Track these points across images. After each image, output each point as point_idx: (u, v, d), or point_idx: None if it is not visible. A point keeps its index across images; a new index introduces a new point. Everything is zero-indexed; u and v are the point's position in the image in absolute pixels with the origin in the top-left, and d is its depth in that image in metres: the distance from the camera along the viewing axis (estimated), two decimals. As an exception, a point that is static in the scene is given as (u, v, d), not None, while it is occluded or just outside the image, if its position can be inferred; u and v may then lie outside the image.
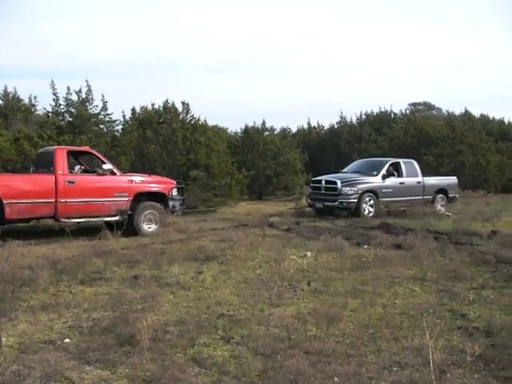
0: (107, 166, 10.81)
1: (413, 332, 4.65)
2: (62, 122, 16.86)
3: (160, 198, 11.50)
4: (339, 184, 14.58)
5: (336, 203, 14.52)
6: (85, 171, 11.34)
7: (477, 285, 6.63)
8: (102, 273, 7.07)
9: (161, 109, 19.86)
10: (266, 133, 24.66)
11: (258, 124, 23.85)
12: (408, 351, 4.26)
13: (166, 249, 8.67)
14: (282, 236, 10.72)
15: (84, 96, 17.23)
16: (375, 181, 15.00)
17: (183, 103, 20.04)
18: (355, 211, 14.37)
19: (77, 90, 17.42)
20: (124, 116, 19.41)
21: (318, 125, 33.41)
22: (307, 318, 5.02)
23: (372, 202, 14.66)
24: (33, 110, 19.01)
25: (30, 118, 17.74)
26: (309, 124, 33.47)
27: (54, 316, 5.21)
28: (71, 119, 16.82)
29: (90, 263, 7.51)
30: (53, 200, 9.99)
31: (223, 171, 18.40)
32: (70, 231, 9.45)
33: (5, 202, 9.44)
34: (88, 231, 10.55)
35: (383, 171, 15.24)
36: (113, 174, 10.90)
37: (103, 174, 10.80)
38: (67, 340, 4.52)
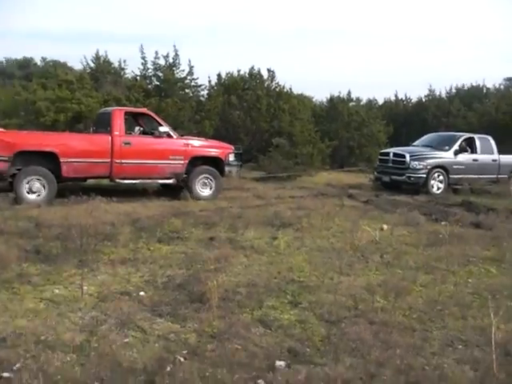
0: (164, 128, 10.82)
1: (482, 312, 4.54)
2: (150, 86, 17.34)
3: (216, 163, 11.38)
4: (408, 157, 14.00)
5: (403, 177, 13.94)
6: (143, 133, 11.36)
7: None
8: (179, 232, 7.31)
9: (246, 75, 19.96)
10: (352, 103, 24.28)
11: (344, 94, 23.47)
12: (474, 331, 4.17)
13: (242, 213, 8.85)
14: (360, 207, 10.65)
15: (171, 61, 17.62)
16: (446, 156, 14.29)
17: (269, 70, 20.10)
18: (423, 187, 13.84)
19: (164, 54, 17.83)
20: (210, 81, 19.74)
21: (406, 97, 32.39)
22: (376, 290, 5.03)
23: (441, 178, 14.00)
24: (122, 73, 19.60)
25: (119, 81, 18.31)
26: (396, 96, 32.46)
27: (131, 270, 5.50)
28: (158, 83, 17.27)
29: (169, 223, 7.78)
30: (108, 160, 10.15)
31: (306, 140, 18.27)
32: (152, 191, 9.78)
33: (61, 160, 9.65)
34: (168, 192, 10.96)
35: (455, 146, 14.46)
36: (169, 136, 10.88)
37: (160, 137, 10.81)
38: (142, 293, 4.78)
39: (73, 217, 6.95)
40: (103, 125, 10.87)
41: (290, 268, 5.91)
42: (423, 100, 30.65)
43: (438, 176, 14.03)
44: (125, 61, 20.27)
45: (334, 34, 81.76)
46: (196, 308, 4.43)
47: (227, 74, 20.29)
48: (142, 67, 17.95)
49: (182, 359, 3.46)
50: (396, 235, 7.99)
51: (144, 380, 3.13)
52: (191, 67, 17.96)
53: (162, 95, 16.77)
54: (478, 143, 14.87)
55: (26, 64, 35.94)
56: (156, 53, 17.79)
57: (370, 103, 30.10)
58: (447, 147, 14.52)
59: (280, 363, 3.49)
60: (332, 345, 3.83)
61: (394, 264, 6.30)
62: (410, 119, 29.04)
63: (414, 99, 31.77)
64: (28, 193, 9.22)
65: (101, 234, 6.66)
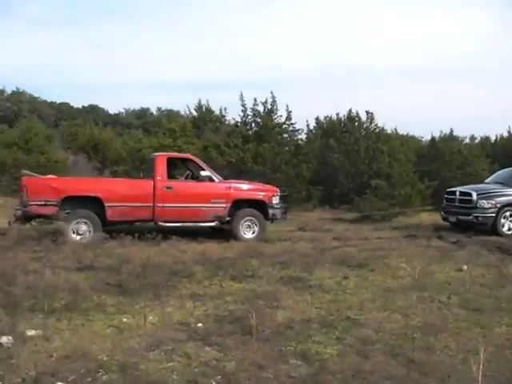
0: (205, 172, 11.10)
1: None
2: (250, 132, 18.19)
3: (261, 205, 11.46)
4: (475, 196, 13.20)
5: (470, 217, 13.11)
6: (192, 177, 11.67)
7: None
8: (253, 271, 7.69)
9: (344, 118, 20.32)
10: (462, 141, 23.71)
11: (446, 133, 23.05)
12: None
13: (320, 253, 9.09)
14: (446, 248, 10.46)
15: (269, 106, 18.36)
16: None
17: (367, 112, 20.34)
18: (492, 227, 12.95)
19: (263, 100, 18.61)
20: (308, 125, 20.28)
21: (517, 132, 30.96)
22: (425, 329, 5.12)
23: None
24: (223, 120, 20.72)
25: (219, 128, 19.38)
26: (509, 132, 31.21)
27: (197, 304, 5.96)
28: (257, 128, 18.07)
29: (245, 262, 8.20)
30: (151, 204, 10.57)
31: (404, 181, 18.18)
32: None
33: (106, 204, 10.23)
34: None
35: None
36: (211, 180, 11.16)
37: (201, 181, 11.10)
38: (200, 324, 5.21)
39: (153, 255, 7.57)
40: (149, 170, 11.53)
41: (349, 306, 6.08)
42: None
43: (510, 215, 13.12)
44: (225, 108, 21.52)
45: (446, 71, 79.80)
46: (245, 340, 4.75)
47: (325, 117, 20.78)
48: (242, 114, 18.85)
49: (214, 383, 3.82)
50: (474, 276, 7.86)
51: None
52: (289, 112, 18.63)
53: (259, 140, 17.49)
54: None
55: (142, 114, 38.82)
56: (255, 100, 18.68)
57: (474, 140, 29.17)
58: None
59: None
60: (363, 379, 4.01)
61: (460, 305, 6.27)
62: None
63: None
64: (74, 234, 9.95)
65: (178, 271, 7.23)
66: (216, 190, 11.23)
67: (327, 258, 8.77)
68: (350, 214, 16.71)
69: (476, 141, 28.78)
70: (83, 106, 49.68)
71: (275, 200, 11.60)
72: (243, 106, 18.49)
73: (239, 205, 11.34)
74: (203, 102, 21.16)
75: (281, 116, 18.74)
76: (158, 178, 10.82)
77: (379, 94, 69.36)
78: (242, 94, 18.62)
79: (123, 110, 46.89)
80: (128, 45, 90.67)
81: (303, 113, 43.28)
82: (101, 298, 6.04)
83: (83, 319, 5.25)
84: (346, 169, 19.27)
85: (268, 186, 12.27)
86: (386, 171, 18.57)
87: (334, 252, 9.37)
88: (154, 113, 38.38)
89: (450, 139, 22.73)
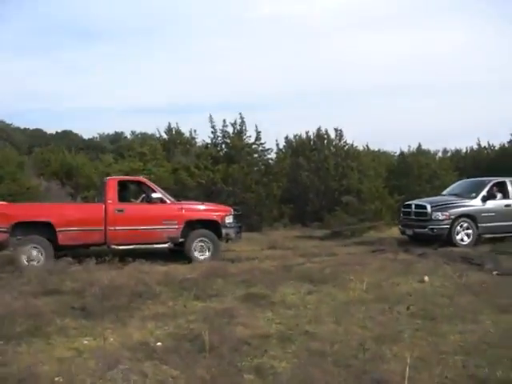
0: (156, 194, 11.20)
1: None
2: (220, 153, 18.39)
3: (214, 225, 11.49)
4: (429, 208, 13.50)
5: (426, 229, 13.40)
6: (147, 200, 11.58)
7: None
8: (218, 291, 7.79)
9: (314, 136, 20.63)
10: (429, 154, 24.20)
11: (413, 148, 23.57)
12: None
13: (284, 271, 9.25)
14: (412, 261, 10.66)
15: (239, 127, 18.58)
16: (473, 204, 13.62)
17: (336, 130, 20.64)
18: (448, 238, 13.17)
19: (232, 122, 18.84)
20: (277, 144, 20.55)
21: (489, 145, 31.74)
22: (382, 339, 5.30)
23: (469, 227, 13.30)
24: (193, 142, 20.94)
25: (189, 150, 19.57)
26: (478, 144, 31.95)
27: (159, 324, 6.05)
28: (227, 149, 18.27)
29: (210, 282, 8.30)
30: (102, 228, 10.59)
31: (373, 196, 18.48)
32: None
33: (57, 229, 10.23)
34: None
35: (483, 192, 13.75)
36: (163, 202, 11.23)
37: (153, 203, 11.20)
38: (159, 343, 5.31)
39: (117, 277, 7.67)
40: (101, 193, 11.60)
41: (309, 321, 6.22)
42: (506, 145, 29.83)
43: (465, 226, 13.34)
44: (195, 130, 21.73)
45: (419, 88, 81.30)
46: (202, 357, 4.87)
47: (295, 136, 21.09)
48: (212, 135, 19.03)
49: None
50: (435, 286, 8.09)
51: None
52: (258, 132, 18.83)
53: (230, 161, 17.68)
54: (510, 187, 13.99)
55: (117, 138, 38.93)
56: (224, 121, 18.87)
57: (446, 153, 29.74)
58: (474, 194, 13.90)
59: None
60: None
61: (420, 315, 6.45)
62: (494, 167, 28.26)
63: (498, 146, 31.00)
64: (27, 261, 9.90)
65: (143, 292, 7.32)
66: (168, 212, 11.28)
67: (292, 274, 8.92)
68: (320, 231, 16.93)
69: (448, 154, 29.39)
70: (57, 132, 49.49)
71: (228, 219, 11.64)
72: (213, 127, 18.70)
73: (193, 225, 11.41)
74: (173, 125, 21.47)
75: (250, 137, 18.98)
76: (109, 201, 10.87)
77: (354, 111, 70.13)
78: (211, 116, 18.84)
79: (97, 135, 47.12)
80: (102, 70, 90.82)
81: (278, 133, 43.80)
82: (64, 321, 6.09)
83: (44, 343, 5.33)
84: (317, 186, 19.51)
85: (221, 206, 12.37)
86: (356, 187, 18.90)
87: (299, 269, 9.51)
88: (128, 136, 38.69)
89: (418, 153, 23.21)
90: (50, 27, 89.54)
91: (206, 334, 4.84)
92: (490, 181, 14.29)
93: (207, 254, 11.32)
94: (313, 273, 9.01)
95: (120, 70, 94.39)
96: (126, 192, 11.89)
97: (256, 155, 18.92)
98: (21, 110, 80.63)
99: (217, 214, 11.68)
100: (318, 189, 19.57)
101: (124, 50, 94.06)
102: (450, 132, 58.28)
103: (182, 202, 12.16)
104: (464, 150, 31.97)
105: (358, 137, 32.26)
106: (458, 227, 13.32)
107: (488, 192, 13.87)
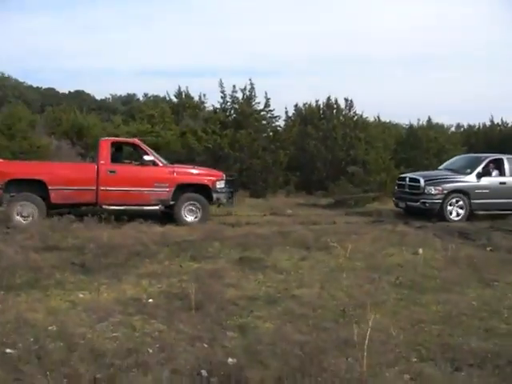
0: (148, 157, 11.28)
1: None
2: (229, 118, 18.45)
3: (205, 190, 11.63)
4: (422, 182, 13.44)
5: (418, 203, 13.37)
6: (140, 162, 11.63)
7: None
8: (214, 253, 8.07)
9: (323, 105, 20.61)
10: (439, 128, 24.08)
11: (423, 121, 23.47)
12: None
13: (282, 236, 9.45)
14: (409, 233, 10.81)
15: (248, 93, 18.58)
16: (467, 180, 13.50)
17: (346, 99, 20.57)
18: (439, 213, 13.16)
19: (242, 87, 18.77)
20: (286, 112, 20.55)
21: (502, 121, 31.45)
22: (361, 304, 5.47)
23: (461, 203, 13.26)
24: (202, 106, 21.00)
25: (198, 114, 19.63)
26: (492, 121, 31.67)
27: (153, 282, 6.32)
28: (236, 115, 18.33)
29: (208, 244, 8.56)
30: (94, 187, 10.77)
31: (379, 167, 18.53)
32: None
33: (50, 187, 10.45)
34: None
35: (479, 169, 13.59)
36: (155, 164, 11.35)
37: (146, 165, 11.31)
38: (150, 300, 5.58)
39: (118, 236, 7.93)
40: (95, 153, 11.80)
41: (299, 285, 6.45)
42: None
43: (457, 202, 13.33)
44: (205, 95, 21.75)
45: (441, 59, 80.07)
46: (190, 315, 5.11)
47: (304, 104, 21.07)
48: (221, 100, 19.00)
49: (150, 351, 4.18)
50: (427, 259, 8.23)
51: (107, 364, 3.86)
52: (267, 99, 18.81)
53: (238, 127, 17.77)
54: (507, 165, 13.86)
55: (129, 100, 38.99)
56: (234, 86, 18.82)
57: (459, 128, 29.55)
58: (469, 170, 13.79)
59: (231, 360, 4.09)
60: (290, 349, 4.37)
61: (406, 285, 6.63)
62: (506, 144, 28.08)
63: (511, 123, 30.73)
64: (19, 216, 10.20)
65: (141, 251, 7.59)
66: (159, 174, 11.42)
67: (289, 241, 9.12)
68: (324, 199, 17.10)
69: (461, 129, 29.22)
70: (69, 92, 49.65)
71: (220, 184, 11.80)
72: (222, 92, 18.67)
73: (184, 189, 11.54)
74: (183, 89, 21.62)
75: (259, 103, 18.93)
76: (102, 162, 11.04)
77: (370, 81, 69.48)
78: (221, 81, 18.80)
79: (110, 96, 47.24)
80: (116, 30, 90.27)
81: (290, 101, 43.60)
82: (63, 276, 6.38)
83: (42, 295, 5.61)
84: (323, 155, 19.54)
85: (213, 171, 12.45)
86: (362, 158, 18.94)
87: (295, 235, 9.70)
88: (141, 99, 38.78)
89: (428, 127, 23.12)
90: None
91: (192, 293, 5.05)
92: (486, 157, 14.20)
93: (196, 217, 11.47)
94: (309, 240, 9.19)
95: (132, 30, 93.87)
96: (119, 153, 12.06)
97: (264, 122, 18.94)
98: (33, 68, 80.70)
99: (208, 178, 11.82)
100: (324, 158, 19.61)
101: (137, 10, 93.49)
102: (470, 107, 57.56)
103: (175, 165, 12.26)
104: (477, 126, 31.83)
105: (370, 108, 32.04)
106: (451, 202, 13.32)
107: (484, 168, 13.77)
